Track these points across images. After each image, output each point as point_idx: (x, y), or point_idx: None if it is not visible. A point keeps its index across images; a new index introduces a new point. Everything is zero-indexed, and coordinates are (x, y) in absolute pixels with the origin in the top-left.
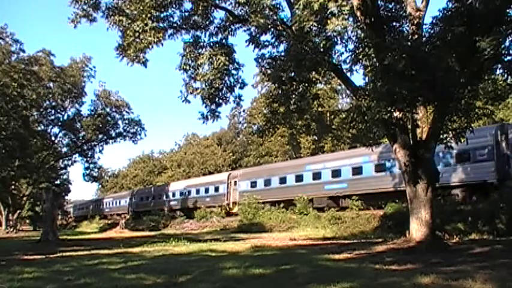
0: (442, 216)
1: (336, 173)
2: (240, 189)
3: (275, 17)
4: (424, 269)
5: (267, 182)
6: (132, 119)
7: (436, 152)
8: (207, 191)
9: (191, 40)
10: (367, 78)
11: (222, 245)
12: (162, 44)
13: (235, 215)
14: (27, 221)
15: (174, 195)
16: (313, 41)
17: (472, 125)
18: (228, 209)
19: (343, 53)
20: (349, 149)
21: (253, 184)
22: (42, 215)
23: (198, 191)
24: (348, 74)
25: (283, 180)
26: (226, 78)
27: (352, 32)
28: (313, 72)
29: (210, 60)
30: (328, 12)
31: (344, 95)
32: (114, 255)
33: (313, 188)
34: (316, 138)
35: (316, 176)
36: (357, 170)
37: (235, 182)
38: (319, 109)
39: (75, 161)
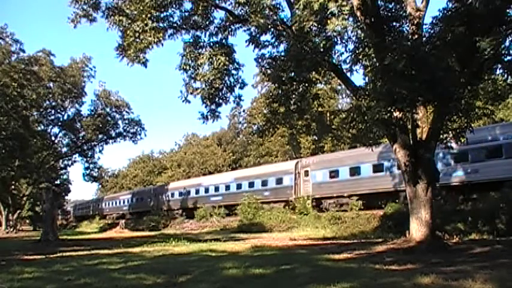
0: (442, 216)
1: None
2: (314, 181)
3: (275, 17)
4: (424, 269)
5: (355, 170)
6: (132, 119)
7: None
8: (264, 183)
9: (191, 40)
10: (367, 78)
11: (222, 245)
12: (162, 44)
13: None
14: (27, 221)
15: (216, 189)
16: (313, 41)
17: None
18: (296, 204)
19: (343, 53)
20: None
21: (334, 174)
22: (42, 215)
23: (251, 184)
24: (348, 74)
25: (378, 168)
26: (226, 78)
27: (352, 32)
28: (313, 72)
29: (210, 60)
30: (328, 12)
31: (344, 95)
32: (114, 255)
33: None
34: (316, 138)
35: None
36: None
37: (306, 171)
38: (319, 109)
39: (75, 161)
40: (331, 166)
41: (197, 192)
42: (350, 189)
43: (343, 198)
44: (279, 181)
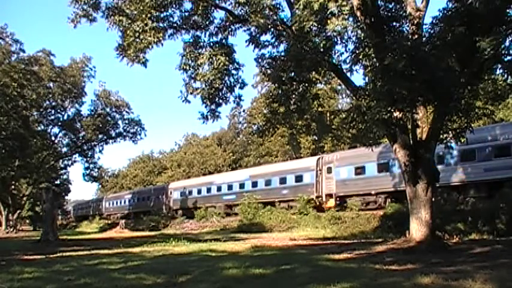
0: (442, 216)
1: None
2: (339, 178)
3: (275, 17)
4: (424, 269)
5: (383, 167)
6: (132, 119)
7: None
8: (283, 181)
9: (191, 40)
10: (367, 78)
11: (222, 245)
12: (162, 44)
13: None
14: (27, 221)
15: (230, 187)
16: (313, 41)
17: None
18: (317, 202)
19: (343, 53)
20: None
21: (360, 170)
22: (42, 215)
23: (268, 182)
24: (348, 74)
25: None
26: (226, 78)
27: (352, 32)
28: (313, 72)
29: (210, 60)
30: (328, 12)
31: (344, 95)
32: (114, 255)
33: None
34: (316, 138)
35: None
36: None
37: (329, 168)
38: (319, 109)
39: (75, 161)
40: (357, 162)
41: (208, 190)
42: (378, 187)
43: (370, 196)
44: (299, 178)
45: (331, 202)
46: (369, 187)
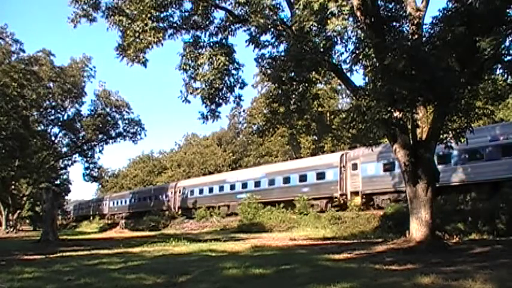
0: (442, 216)
1: None
2: (365, 174)
3: (275, 17)
4: (424, 269)
5: None
6: (132, 119)
7: None
8: (303, 178)
9: (191, 40)
10: (367, 78)
11: (222, 245)
12: (162, 44)
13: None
14: (27, 221)
15: (244, 186)
16: (313, 41)
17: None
18: (341, 201)
19: (343, 53)
20: None
21: (388, 166)
22: (42, 215)
23: (287, 180)
24: (348, 74)
25: (444, 158)
26: (226, 78)
27: (352, 32)
28: (313, 72)
29: (210, 60)
30: (328, 12)
31: (344, 95)
32: (114, 255)
33: None
34: (316, 138)
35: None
36: None
37: (355, 164)
38: (319, 109)
39: (75, 161)
40: (385, 157)
41: (221, 189)
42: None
43: (401, 194)
44: (321, 176)
45: (357, 200)
46: (400, 184)
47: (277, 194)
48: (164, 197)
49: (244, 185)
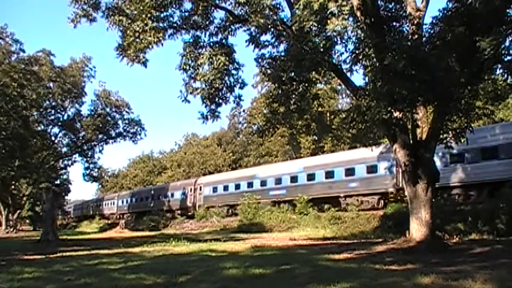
0: (442, 216)
1: None
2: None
3: (275, 17)
4: (424, 269)
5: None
6: (132, 119)
7: None
8: (350, 172)
9: (191, 40)
10: (367, 78)
11: (222, 245)
12: (162, 44)
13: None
14: (27, 221)
15: (278, 181)
16: (313, 41)
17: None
18: (399, 197)
19: (343, 53)
20: None
21: (457, 158)
22: (42, 215)
23: (330, 174)
24: (348, 74)
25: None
26: (226, 78)
27: (352, 32)
28: (313, 72)
29: (210, 60)
30: (328, 12)
31: (344, 95)
32: (114, 255)
33: None
34: (316, 138)
35: None
36: None
37: None
38: (319, 109)
39: (75, 161)
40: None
41: (250, 185)
42: (482, 176)
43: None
44: (373, 169)
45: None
46: (475, 176)
47: (318, 190)
48: (182, 195)
49: (278, 181)
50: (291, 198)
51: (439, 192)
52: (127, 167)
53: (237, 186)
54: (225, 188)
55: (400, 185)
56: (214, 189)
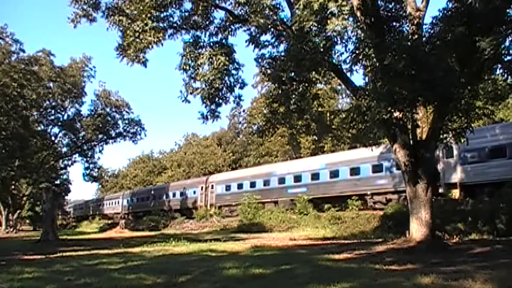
0: (442, 216)
1: None
2: (466, 162)
3: (275, 17)
4: (424, 269)
5: None
6: (132, 119)
7: None
8: (378, 169)
9: (191, 40)
10: (367, 78)
11: (222, 245)
12: (162, 44)
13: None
14: (27, 221)
15: (298, 179)
16: (313, 41)
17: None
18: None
19: (343, 53)
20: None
21: (497, 152)
22: (42, 215)
23: (355, 170)
24: (348, 74)
25: None
26: (226, 78)
27: (352, 32)
28: (313, 72)
29: (210, 60)
30: (328, 12)
31: (344, 95)
32: (114, 255)
33: None
34: (316, 138)
35: None
36: None
37: (450, 151)
38: (319, 109)
39: (75, 161)
40: (494, 141)
41: (267, 183)
42: None
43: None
44: None
45: (455, 193)
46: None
47: (343, 187)
48: (192, 193)
49: (298, 178)
50: (312, 196)
51: None
52: (127, 167)
53: (253, 184)
54: (240, 186)
55: (448, 181)
56: (228, 188)
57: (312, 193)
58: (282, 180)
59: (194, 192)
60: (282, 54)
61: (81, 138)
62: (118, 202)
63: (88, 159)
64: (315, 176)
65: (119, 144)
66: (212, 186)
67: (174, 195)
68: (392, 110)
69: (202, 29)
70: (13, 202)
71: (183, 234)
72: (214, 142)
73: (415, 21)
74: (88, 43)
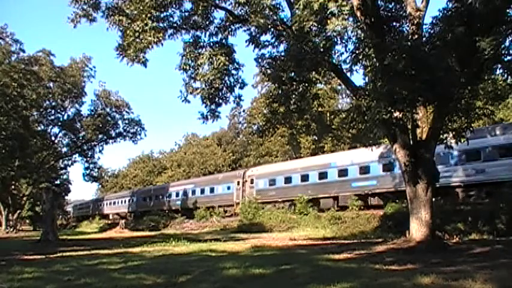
0: (442, 216)
1: None
2: None
3: (275, 17)
4: (424, 269)
5: None
6: (132, 119)
7: None
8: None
9: (191, 40)
10: (367, 78)
11: (222, 245)
12: (162, 44)
13: None
14: (27, 221)
15: (365, 170)
16: (313, 41)
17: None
18: None
19: (343, 53)
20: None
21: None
22: (42, 215)
23: (388, 166)
24: (348, 74)
25: None
26: (226, 78)
27: (352, 32)
28: (313, 72)
29: (210, 60)
30: (328, 12)
31: (344, 95)
32: (114, 255)
33: None
34: (316, 138)
35: None
36: None
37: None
38: (319, 109)
39: (75, 161)
40: None
41: (322, 176)
42: None
43: None
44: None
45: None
46: None
47: (390, 183)
48: (227, 189)
49: (365, 169)
50: (384, 190)
51: None
52: (127, 167)
53: (304, 178)
54: (287, 179)
55: None
56: (272, 182)
57: (383, 186)
58: (343, 172)
59: (228, 188)
60: (282, 54)
61: (81, 138)
62: (125, 201)
63: (88, 159)
64: (388, 166)
65: (118, 144)
66: (252, 180)
67: (202, 191)
68: (392, 110)
69: (202, 29)
70: (13, 202)
71: (183, 234)
72: (214, 142)
73: (415, 21)
74: (88, 43)
